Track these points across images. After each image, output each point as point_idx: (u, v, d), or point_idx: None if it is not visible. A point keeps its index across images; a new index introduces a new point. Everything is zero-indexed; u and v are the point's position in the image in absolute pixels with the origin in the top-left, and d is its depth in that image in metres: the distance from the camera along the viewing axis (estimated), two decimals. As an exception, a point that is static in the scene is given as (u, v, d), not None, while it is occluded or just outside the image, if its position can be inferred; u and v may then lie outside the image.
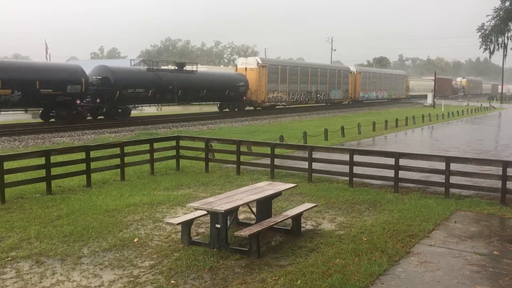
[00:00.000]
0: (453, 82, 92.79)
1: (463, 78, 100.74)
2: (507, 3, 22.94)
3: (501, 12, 23.18)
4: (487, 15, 23.88)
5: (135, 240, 7.17)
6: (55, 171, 10.65)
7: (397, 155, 10.80)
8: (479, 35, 24.58)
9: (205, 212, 7.02)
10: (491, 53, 24.76)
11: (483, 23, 24.28)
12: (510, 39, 24.55)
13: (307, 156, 11.92)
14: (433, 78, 64.46)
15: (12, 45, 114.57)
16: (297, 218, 7.59)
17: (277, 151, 13.11)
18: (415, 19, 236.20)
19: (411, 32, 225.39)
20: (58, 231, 7.50)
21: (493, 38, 24.24)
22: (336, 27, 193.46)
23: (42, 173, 10.33)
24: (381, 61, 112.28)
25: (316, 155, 12.16)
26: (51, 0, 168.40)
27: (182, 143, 13.87)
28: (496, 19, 23.49)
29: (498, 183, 9.89)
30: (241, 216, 8.44)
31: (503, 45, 24.80)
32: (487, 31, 24.16)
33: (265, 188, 7.92)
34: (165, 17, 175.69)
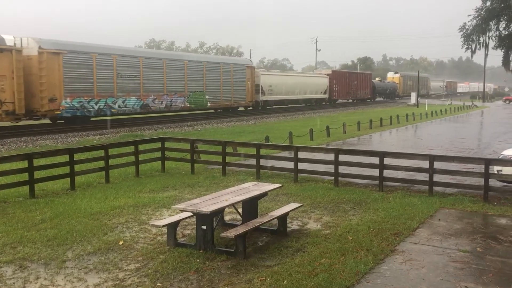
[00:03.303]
0: (377, 78, 72.76)
1: (396, 73, 78.67)
2: (488, 3, 23.30)
3: (482, 12, 23.53)
4: (469, 15, 24.25)
5: (120, 243, 7.11)
6: (38, 174, 10.52)
7: (382, 154, 10.90)
8: (461, 35, 24.93)
9: (191, 214, 7.00)
10: (473, 52, 25.14)
11: (465, 23, 24.72)
12: (491, 39, 24.94)
13: (293, 156, 11.96)
14: (324, 72, 53.71)
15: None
16: (283, 218, 7.60)
17: (263, 151, 13.13)
18: (399, 19, 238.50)
19: (395, 32, 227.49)
20: (42, 235, 7.41)
21: (474, 37, 24.60)
22: (321, 28, 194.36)
23: (25, 176, 10.17)
24: (365, 61, 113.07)
25: (301, 155, 12.19)
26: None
27: (168, 144, 13.81)
28: (477, 19, 23.84)
29: (480, 181, 10.04)
30: (227, 217, 8.43)
31: (484, 45, 25.18)
32: (468, 31, 24.50)
33: (251, 189, 7.92)
34: (148, 19, 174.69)
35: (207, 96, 33.80)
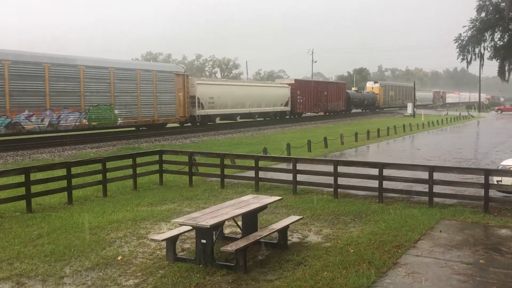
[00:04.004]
0: (353, 88, 67.65)
1: (376, 82, 70.31)
2: (483, 14, 23.53)
3: (477, 23, 23.75)
4: (464, 26, 24.47)
5: (119, 258, 7.01)
6: (35, 188, 10.42)
7: (381, 165, 10.85)
8: (457, 46, 25.12)
9: (190, 228, 6.91)
10: (469, 63, 25.31)
11: (460, 34, 24.92)
12: (487, 49, 25.11)
13: (292, 168, 11.90)
14: (286, 82, 47.00)
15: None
16: (283, 231, 7.53)
17: (261, 163, 13.07)
18: (395, 30, 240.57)
19: (391, 43, 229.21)
20: (39, 250, 7.30)
21: (470, 48, 24.79)
22: (318, 40, 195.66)
23: (22, 191, 10.08)
24: (361, 72, 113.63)
25: (300, 166, 12.15)
26: (29, 12, 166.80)
27: (166, 157, 13.74)
28: (472, 30, 24.06)
29: (480, 191, 10.00)
30: (226, 231, 8.35)
31: (479, 55, 25.35)
32: (464, 42, 24.70)
33: (251, 201, 7.85)
34: (145, 31, 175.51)
35: (116, 111, 26.59)
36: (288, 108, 44.51)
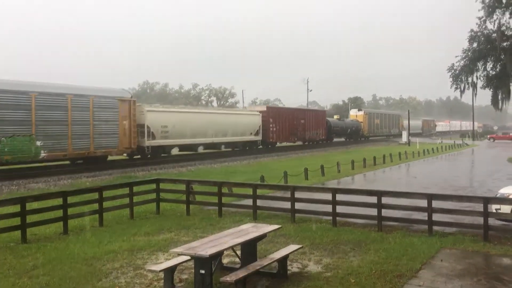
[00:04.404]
0: (336, 116, 62.99)
1: (360, 110, 66.26)
2: (475, 44, 24.03)
3: (469, 53, 24.21)
4: (456, 56, 24.90)
5: (116, 289, 6.87)
6: (30, 218, 10.28)
7: (380, 194, 10.83)
8: (450, 75, 25.52)
9: (188, 258, 6.82)
10: (462, 92, 25.65)
11: (453, 64, 25.30)
12: (479, 79, 25.53)
13: (290, 196, 11.85)
14: (257, 109, 42.73)
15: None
16: (283, 260, 7.43)
17: (259, 191, 13.00)
18: (390, 60, 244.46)
19: (385, 73, 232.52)
20: (34, 282, 7.15)
21: (463, 77, 25.18)
22: (313, 69, 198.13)
23: (17, 221, 9.94)
24: (356, 101, 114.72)
25: (298, 195, 12.09)
26: (21, 39, 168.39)
27: (163, 185, 13.66)
28: (465, 60, 24.49)
29: (479, 220, 9.96)
30: (225, 260, 8.23)
31: (472, 85, 25.73)
32: (457, 71, 25.10)
33: (250, 230, 7.77)
34: (141, 60, 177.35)
35: (39, 143, 22.29)
36: (259, 138, 39.72)
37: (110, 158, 28.27)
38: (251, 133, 38.81)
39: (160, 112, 30.65)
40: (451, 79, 26.01)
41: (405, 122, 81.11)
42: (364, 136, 63.20)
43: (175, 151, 33.01)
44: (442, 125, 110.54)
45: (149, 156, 29.23)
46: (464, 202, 11.79)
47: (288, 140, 45.54)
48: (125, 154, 28.92)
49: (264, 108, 43.07)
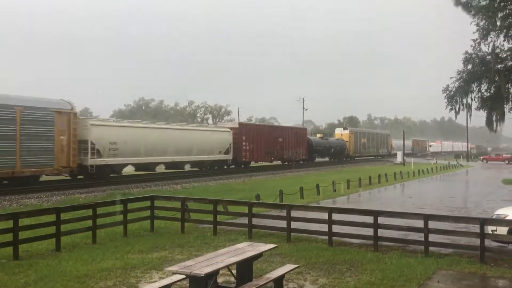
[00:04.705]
0: (318, 135, 59.38)
1: (345, 129, 63.75)
2: (469, 66, 24.26)
3: (464, 75, 24.43)
4: (451, 77, 25.11)
5: (109, 308, 6.74)
6: (22, 234, 10.14)
7: (376, 213, 10.79)
8: (445, 96, 25.69)
9: (183, 276, 6.71)
10: (457, 113, 25.79)
11: (448, 85, 25.47)
12: (474, 100, 25.72)
13: (285, 215, 11.78)
14: (229, 126, 39.53)
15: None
16: (279, 280, 7.35)
17: (255, 210, 12.92)
18: (385, 81, 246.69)
19: (381, 93, 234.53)
20: (25, 300, 7.01)
21: (458, 99, 25.38)
22: (309, 88, 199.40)
23: (9, 237, 9.80)
24: (351, 121, 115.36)
25: (294, 213, 12.02)
26: (21, 54, 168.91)
27: (157, 203, 13.55)
28: (459, 81, 24.70)
29: (476, 241, 9.91)
30: (220, 280, 8.11)
31: (467, 106, 25.92)
32: (451, 93, 25.29)
33: (246, 249, 7.69)
34: (136, 77, 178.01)
35: None
36: (229, 157, 36.80)
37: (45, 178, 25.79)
38: (220, 152, 35.88)
39: (108, 127, 27.32)
40: (446, 100, 26.17)
41: (395, 142, 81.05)
42: (350, 156, 60.65)
43: (130, 170, 30.79)
44: (433, 146, 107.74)
45: (94, 176, 26.00)
46: (460, 223, 11.77)
47: (264, 160, 42.55)
48: (65, 174, 25.52)
49: (236, 125, 39.51)
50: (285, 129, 47.24)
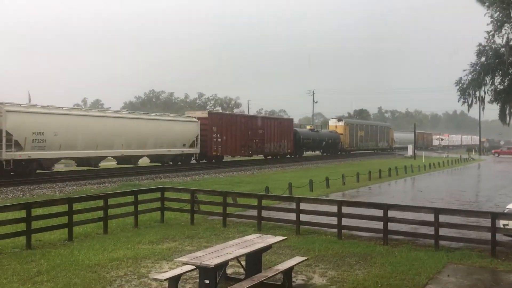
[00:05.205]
0: (308, 126, 55.45)
1: (340, 121, 58.52)
2: (483, 59, 23.93)
3: (477, 67, 24.11)
4: (464, 70, 24.79)
5: (120, 297, 6.83)
6: (35, 224, 10.28)
7: (386, 207, 10.75)
8: (457, 89, 25.38)
9: (193, 267, 6.77)
10: (470, 106, 25.47)
11: (460, 77, 25.15)
12: (487, 93, 25.38)
13: (295, 207, 11.79)
14: (196, 115, 34.51)
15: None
16: (288, 272, 7.37)
17: (264, 202, 12.94)
18: (396, 73, 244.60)
19: (391, 86, 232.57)
20: (38, 288, 7.12)
21: (470, 91, 25.06)
22: (319, 80, 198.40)
23: (22, 226, 9.95)
24: (361, 113, 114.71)
25: (303, 206, 12.02)
26: (31, 50, 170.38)
27: (167, 194, 13.64)
28: (472, 74, 24.38)
29: (487, 235, 9.85)
30: (229, 271, 8.17)
31: (480, 99, 25.60)
32: (464, 85, 24.97)
33: (255, 241, 7.73)
34: (147, 69, 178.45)
35: None
36: (195, 150, 32.82)
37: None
38: (184, 145, 31.84)
39: (31, 114, 22.60)
40: (458, 93, 25.87)
41: (397, 135, 75.28)
42: (345, 150, 56.09)
43: (66, 165, 27.83)
44: (440, 139, 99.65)
45: (12, 173, 22.36)
46: (471, 217, 11.69)
47: (240, 154, 38.39)
48: None
49: (205, 115, 34.91)
50: (267, 120, 42.77)
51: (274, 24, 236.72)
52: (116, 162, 30.35)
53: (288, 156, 44.83)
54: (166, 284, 6.96)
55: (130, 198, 12.68)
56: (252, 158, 41.56)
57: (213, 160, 35.77)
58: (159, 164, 31.91)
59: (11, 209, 10.56)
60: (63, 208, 11.06)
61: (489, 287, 7.54)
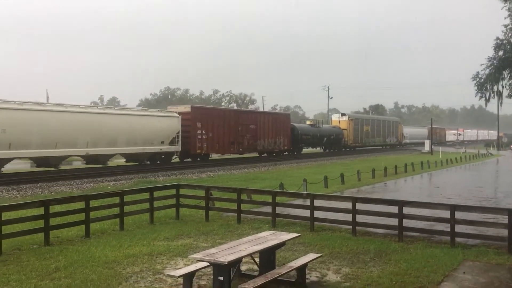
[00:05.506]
0: (308, 122, 51.56)
1: (343, 115, 55.43)
2: (500, 53, 23.50)
3: (494, 61, 23.70)
4: (481, 64, 24.38)
5: (135, 293, 6.92)
6: (53, 221, 10.46)
7: (401, 204, 10.68)
8: (474, 83, 24.97)
9: (207, 264, 6.83)
10: (487, 101, 25.03)
11: (478, 72, 24.71)
12: (505, 87, 24.93)
13: (309, 204, 11.79)
14: (177, 110, 31.45)
15: (13, 93, 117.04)
16: (301, 269, 7.39)
17: (278, 199, 12.98)
18: (412, 68, 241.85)
19: (408, 80, 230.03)
20: (56, 284, 7.27)
21: (488, 86, 24.65)
22: (334, 76, 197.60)
23: (40, 223, 10.14)
24: (377, 109, 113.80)
25: (318, 203, 12.01)
26: (50, 50, 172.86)
27: (182, 191, 13.74)
28: (490, 68, 23.96)
29: (504, 232, 9.74)
30: (243, 267, 8.22)
31: (498, 93, 25.16)
32: (482, 80, 24.57)
33: (269, 238, 7.76)
34: (163, 67, 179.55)
35: None
36: (176, 148, 29.97)
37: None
38: (162, 142, 29.01)
39: None
40: (475, 87, 25.47)
41: (406, 130, 71.57)
42: (349, 146, 53.20)
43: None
44: (454, 134, 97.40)
45: None
46: (488, 214, 11.54)
47: (229, 151, 35.56)
48: None
49: (187, 109, 31.97)
50: (260, 115, 40.03)
51: (292, 22, 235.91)
52: (85, 162, 27.48)
53: (286, 153, 42.36)
54: (180, 280, 7.03)
55: (146, 195, 12.81)
56: (244, 156, 38.74)
57: (198, 159, 33.18)
58: (137, 163, 28.97)
59: (30, 206, 10.76)
60: (80, 205, 11.24)
61: (505, 285, 7.45)
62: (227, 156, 37.26)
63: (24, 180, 21.41)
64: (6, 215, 9.77)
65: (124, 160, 29.53)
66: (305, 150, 49.26)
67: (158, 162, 30.18)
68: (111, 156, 27.30)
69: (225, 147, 34.60)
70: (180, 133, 30.04)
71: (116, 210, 11.84)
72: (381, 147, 63.12)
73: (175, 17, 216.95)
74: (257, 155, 40.29)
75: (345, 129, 52.67)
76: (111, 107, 27.84)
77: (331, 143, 49.86)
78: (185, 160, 32.80)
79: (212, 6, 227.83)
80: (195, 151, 31.70)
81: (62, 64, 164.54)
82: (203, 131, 32.04)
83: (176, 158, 31.67)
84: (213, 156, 36.11)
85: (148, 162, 29.64)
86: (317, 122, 51.61)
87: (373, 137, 59.75)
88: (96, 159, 26.18)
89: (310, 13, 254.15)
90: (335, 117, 56.62)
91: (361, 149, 56.14)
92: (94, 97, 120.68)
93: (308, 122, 50.07)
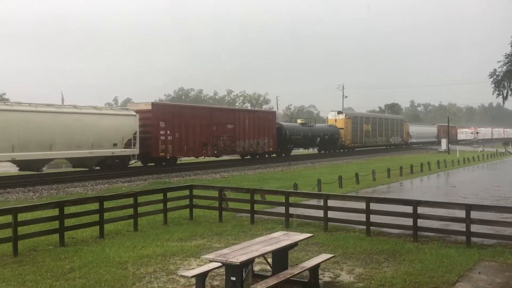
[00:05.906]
0: (300, 120, 46.21)
1: (340, 113, 51.16)
2: (518, 50, 23.22)
3: (512, 58, 23.43)
4: (498, 61, 24.09)
5: (148, 294, 6.96)
6: (68, 222, 10.59)
7: (415, 203, 10.56)
8: (491, 81, 24.68)
9: (220, 264, 6.84)
10: (505, 98, 24.73)
11: (495, 69, 24.45)
12: (522, 85, 24.61)
13: (323, 204, 11.73)
14: (136, 108, 27.32)
15: (28, 96, 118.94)
16: (314, 269, 7.35)
17: (292, 199, 12.94)
18: (428, 66, 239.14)
19: (424, 79, 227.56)
20: (71, 284, 7.35)
21: (505, 83, 24.31)
22: (349, 75, 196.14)
23: (55, 224, 10.27)
24: (393, 107, 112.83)
25: (331, 203, 11.94)
26: (64, 50, 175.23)
27: (196, 192, 13.79)
28: (507, 65, 23.65)
29: (521, 232, 9.57)
30: (256, 268, 8.21)
31: (515, 91, 24.83)
32: (499, 77, 24.26)
33: (281, 238, 7.74)
34: (177, 67, 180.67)
35: None
36: (133, 151, 26.08)
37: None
38: (115, 144, 24.98)
39: None
40: (493, 85, 25.18)
41: (413, 128, 67.04)
42: (346, 146, 49.56)
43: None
44: (466, 133, 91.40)
45: None
46: (505, 213, 11.35)
47: (201, 154, 31.61)
48: None
49: (147, 107, 27.69)
50: (238, 113, 35.62)
51: (306, 22, 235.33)
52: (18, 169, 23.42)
53: (274, 155, 38.98)
54: (193, 281, 7.05)
55: (159, 196, 12.88)
56: (221, 158, 35.35)
57: (163, 163, 29.17)
58: (87, 169, 25.21)
59: (45, 207, 10.92)
60: (95, 206, 11.36)
61: (522, 286, 7.32)
62: (201, 159, 33.99)
63: (39, 181, 21.65)
64: (22, 216, 9.95)
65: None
66: (298, 152, 46.52)
67: (112, 167, 25.78)
68: (46, 162, 23.15)
69: (196, 150, 30.65)
70: (138, 134, 26.14)
71: (130, 211, 11.93)
72: (384, 147, 59.60)
73: (190, 17, 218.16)
74: (239, 157, 36.66)
75: (342, 128, 48.90)
76: (46, 104, 22.98)
77: (326, 143, 46.24)
78: (148, 164, 29.19)
79: (229, 5, 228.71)
80: (158, 154, 27.86)
81: (75, 66, 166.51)
82: (168, 132, 28.13)
83: (135, 162, 28.39)
84: (184, 159, 32.24)
85: (98, 168, 25.59)
86: (309, 120, 47.43)
87: (375, 137, 56.07)
88: (28, 165, 22.40)
89: (329, 13, 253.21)
90: (331, 115, 51.82)
91: (361, 150, 52.61)
92: (108, 99, 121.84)
93: (299, 121, 45.74)
